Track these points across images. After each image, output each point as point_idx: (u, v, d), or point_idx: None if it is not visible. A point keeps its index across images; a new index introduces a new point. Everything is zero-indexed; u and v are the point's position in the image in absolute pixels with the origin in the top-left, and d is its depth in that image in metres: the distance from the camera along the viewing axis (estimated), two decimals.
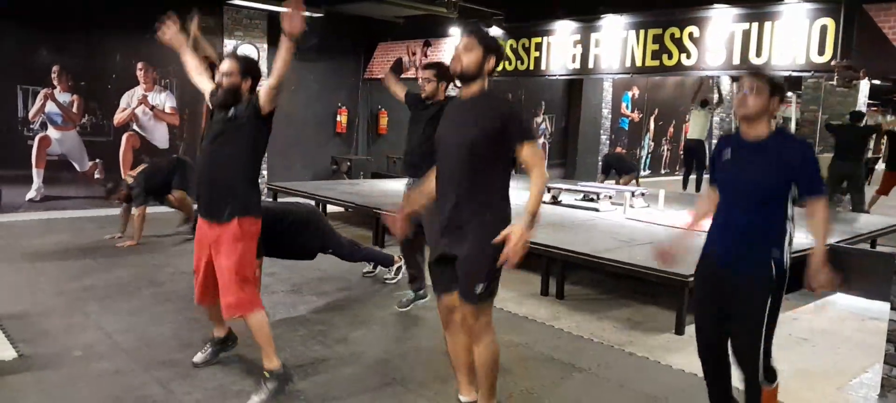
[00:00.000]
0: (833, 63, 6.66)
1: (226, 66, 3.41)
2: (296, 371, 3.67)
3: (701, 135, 12.27)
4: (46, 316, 4.52)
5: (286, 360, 3.63)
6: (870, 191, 10.72)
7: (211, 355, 3.79)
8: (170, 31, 3.73)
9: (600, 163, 12.86)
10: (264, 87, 3.36)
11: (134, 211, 6.77)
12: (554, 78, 9.94)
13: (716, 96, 14.22)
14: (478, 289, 2.84)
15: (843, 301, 5.72)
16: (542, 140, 14.88)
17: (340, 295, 5.32)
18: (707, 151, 12.17)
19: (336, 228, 8.22)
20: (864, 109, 10.69)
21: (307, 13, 3.22)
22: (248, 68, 3.44)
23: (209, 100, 3.61)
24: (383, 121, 11.87)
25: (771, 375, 3.03)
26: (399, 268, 5.65)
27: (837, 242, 6.01)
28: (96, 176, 8.86)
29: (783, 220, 2.82)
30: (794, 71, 7.19)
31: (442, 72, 4.68)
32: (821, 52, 6.83)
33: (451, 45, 10.25)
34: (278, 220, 4.78)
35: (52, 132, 8.49)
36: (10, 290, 4.95)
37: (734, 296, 2.80)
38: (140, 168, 7.15)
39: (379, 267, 5.82)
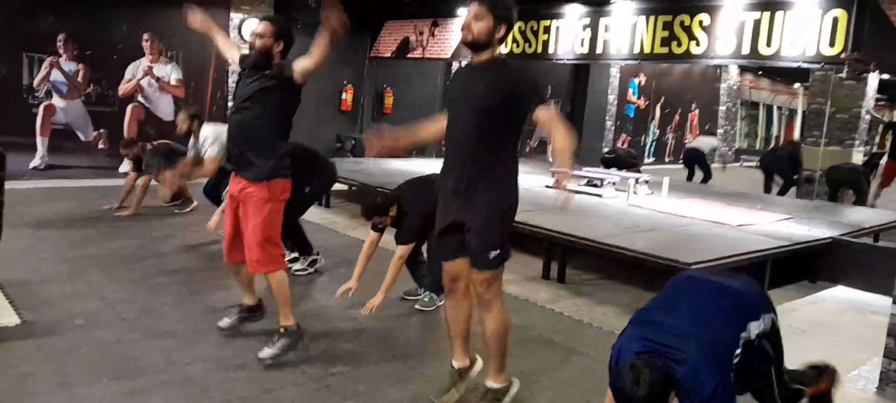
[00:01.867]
0: (843, 55, 6.62)
1: (260, 27, 3.45)
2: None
3: (703, 147, 12.20)
4: (49, 284, 4.54)
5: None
6: (875, 184, 10.68)
7: (237, 321, 3.81)
8: (198, 18, 3.81)
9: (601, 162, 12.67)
10: (301, 64, 3.42)
11: (139, 180, 6.77)
12: (561, 62, 9.89)
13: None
14: (491, 255, 2.86)
15: (843, 294, 5.73)
16: None
17: (340, 271, 5.34)
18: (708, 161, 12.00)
19: (340, 205, 8.26)
20: (871, 104, 10.64)
21: None
22: (282, 31, 3.48)
23: (238, 64, 3.66)
24: (389, 100, 11.83)
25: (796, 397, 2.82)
26: (314, 262, 5.30)
27: (840, 235, 6.01)
28: (100, 146, 8.86)
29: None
30: (803, 62, 7.15)
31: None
32: (831, 43, 6.78)
33: (459, 25, 10.21)
34: None
35: (57, 101, 8.48)
36: (14, 257, 4.96)
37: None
38: (162, 142, 7.09)
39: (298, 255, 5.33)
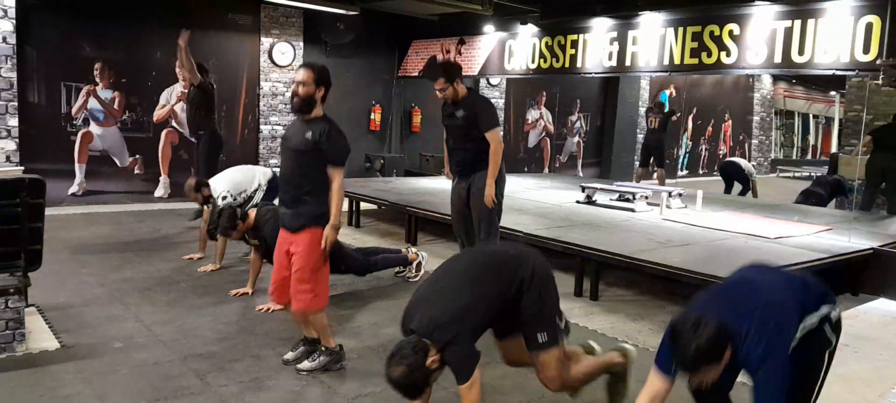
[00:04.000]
0: (878, 62, 6.46)
1: (301, 75, 3.57)
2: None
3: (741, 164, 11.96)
4: (88, 308, 4.64)
5: (290, 339, 3.67)
6: None
7: (302, 354, 3.81)
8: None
9: (639, 149, 12.40)
10: (334, 183, 3.58)
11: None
12: (589, 76, 9.84)
13: None
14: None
15: (886, 306, 5.55)
16: (577, 138, 14.75)
17: (371, 290, 5.36)
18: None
19: (369, 225, 8.31)
20: None
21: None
22: (322, 78, 3.59)
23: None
24: (417, 119, 11.90)
25: None
26: (419, 264, 5.72)
27: (881, 246, 5.84)
28: (136, 171, 9.06)
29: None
30: (838, 70, 7.00)
31: (449, 75, 4.90)
32: (866, 50, 6.62)
33: (486, 43, 10.24)
34: None
35: (93, 128, 8.71)
36: (53, 281, 5.09)
37: None
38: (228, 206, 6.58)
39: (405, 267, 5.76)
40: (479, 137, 4.86)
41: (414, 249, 5.91)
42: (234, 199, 5.83)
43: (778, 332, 2.31)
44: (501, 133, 5.20)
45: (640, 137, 15.39)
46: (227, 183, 5.94)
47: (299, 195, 3.58)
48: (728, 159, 13.21)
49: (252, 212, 5.00)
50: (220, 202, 5.73)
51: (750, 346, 2.28)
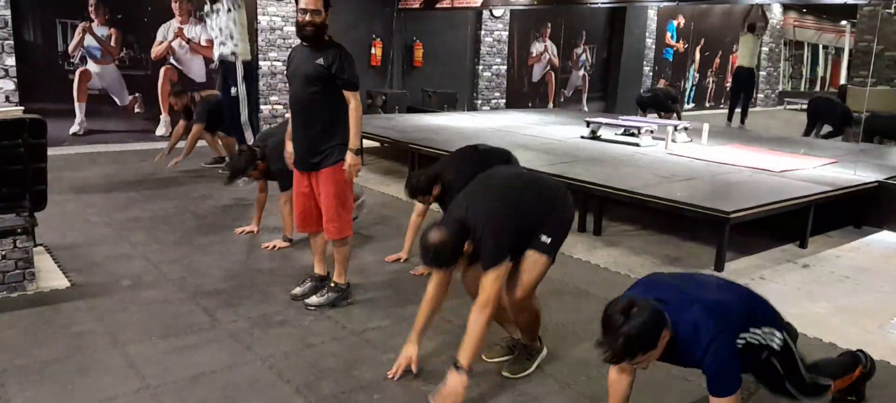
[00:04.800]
0: None
1: (309, 1, 3.40)
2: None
3: (751, 63, 11.65)
4: (95, 247, 4.68)
5: (297, 275, 3.72)
6: None
7: (309, 290, 3.86)
8: None
9: (637, 104, 12.30)
10: (351, 105, 3.52)
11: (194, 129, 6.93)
12: (595, 6, 9.63)
13: (763, 21, 13.24)
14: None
15: (889, 239, 5.57)
16: (582, 72, 14.55)
17: (376, 228, 5.38)
18: (756, 80, 11.54)
19: (371, 163, 8.28)
20: None
21: None
22: (328, 3, 3.49)
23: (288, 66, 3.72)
24: (419, 53, 11.70)
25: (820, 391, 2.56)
26: (362, 204, 5.56)
27: (887, 179, 5.81)
28: (136, 109, 9.00)
29: None
30: None
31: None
32: None
33: None
34: None
35: (91, 66, 8.60)
36: (60, 222, 5.12)
37: None
38: (210, 93, 7.29)
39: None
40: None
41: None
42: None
43: (723, 318, 2.19)
44: None
45: (647, 69, 15.18)
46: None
47: (318, 127, 3.53)
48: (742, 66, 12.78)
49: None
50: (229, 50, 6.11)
51: (691, 334, 2.16)
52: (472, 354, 2.74)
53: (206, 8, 6.40)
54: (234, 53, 6.30)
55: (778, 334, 2.33)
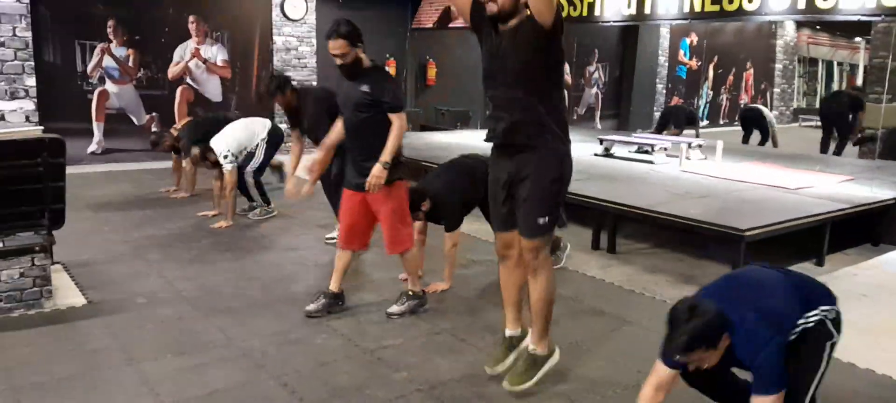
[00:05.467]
0: None
1: (334, 48, 3.60)
2: (350, 315, 3.76)
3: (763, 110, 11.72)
4: (112, 264, 4.72)
5: (311, 293, 3.72)
6: None
7: (322, 307, 3.89)
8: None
9: (657, 117, 12.28)
10: (394, 124, 3.69)
11: (184, 163, 6.81)
12: (608, 24, 9.65)
13: None
14: (540, 221, 2.88)
15: None
16: (595, 90, 14.55)
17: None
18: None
19: None
20: None
21: None
22: (353, 37, 3.62)
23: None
24: (431, 72, 11.78)
25: None
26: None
27: None
28: (153, 129, 9.10)
29: None
30: (863, 15, 6.80)
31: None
32: None
33: None
34: None
35: (109, 86, 8.73)
36: (78, 240, 5.17)
37: None
38: (185, 121, 7.32)
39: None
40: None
41: None
42: (236, 158, 5.83)
43: (776, 325, 2.33)
44: None
45: (660, 87, 15.15)
46: (228, 141, 5.91)
47: (371, 152, 3.65)
48: (749, 105, 12.94)
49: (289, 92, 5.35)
50: (222, 161, 5.76)
51: (747, 337, 2.30)
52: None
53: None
54: (256, 144, 6.18)
55: (833, 310, 2.47)
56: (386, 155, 3.62)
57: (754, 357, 2.30)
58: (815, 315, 2.42)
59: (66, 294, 4.07)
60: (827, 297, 2.51)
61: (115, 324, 3.70)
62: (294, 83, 5.50)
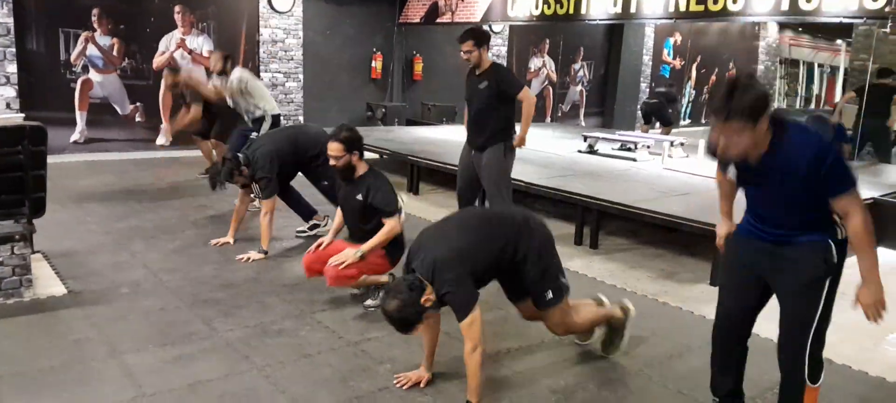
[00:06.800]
0: (887, 9, 6.37)
1: (331, 149, 3.76)
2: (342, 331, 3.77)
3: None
4: (94, 255, 4.69)
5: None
6: None
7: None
8: None
9: (640, 112, 12.37)
10: (384, 228, 3.79)
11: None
12: (594, 23, 9.70)
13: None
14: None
15: (885, 255, 5.59)
16: (580, 87, 14.63)
17: None
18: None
19: None
20: None
21: None
22: (351, 145, 3.77)
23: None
24: (418, 67, 11.77)
25: (817, 371, 2.58)
26: (314, 226, 5.43)
27: (882, 196, 5.85)
28: (137, 119, 9.03)
29: None
30: (845, 17, 6.91)
31: (479, 39, 4.84)
32: None
33: None
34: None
35: (93, 75, 8.64)
36: (59, 229, 5.13)
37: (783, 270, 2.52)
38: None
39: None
40: (498, 109, 4.84)
41: None
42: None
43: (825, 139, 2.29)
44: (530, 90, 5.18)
45: (644, 86, 15.26)
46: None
47: (364, 237, 3.84)
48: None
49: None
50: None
51: (802, 133, 2.26)
52: (478, 390, 2.83)
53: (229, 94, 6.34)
54: (262, 115, 6.27)
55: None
56: (365, 246, 3.75)
57: (812, 158, 2.20)
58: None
59: (47, 283, 4.04)
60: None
61: (97, 315, 3.68)
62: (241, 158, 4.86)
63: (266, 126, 6.23)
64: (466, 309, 2.75)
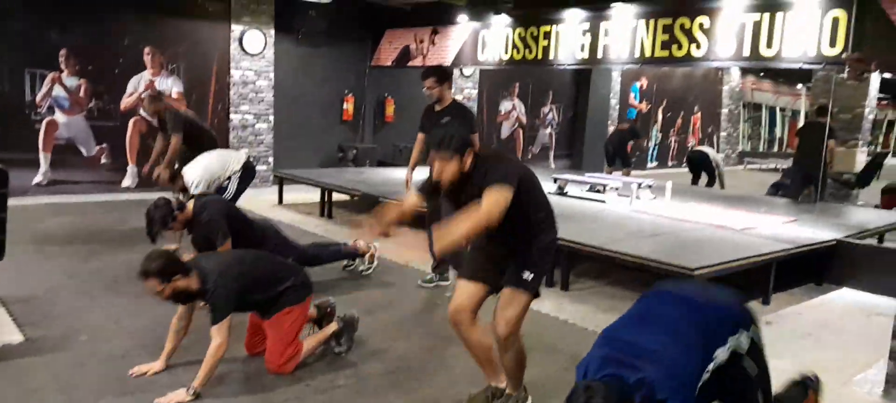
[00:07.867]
0: (844, 56, 6.60)
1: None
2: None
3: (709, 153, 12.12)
4: (53, 300, 4.54)
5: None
6: (879, 185, 10.67)
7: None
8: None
9: (605, 151, 12.59)
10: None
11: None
12: (562, 68, 9.88)
13: None
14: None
15: (849, 296, 5.70)
16: (549, 130, 14.83)
17: (347, 282, 5.33)
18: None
19: (341, 216, 8.26)
20: (874, 103, 10.62)
21: None
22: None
23: None
24: (390, 108, 11.84)
25: None
26: (371, 256, 5.61)
27: (845, 237, 5.98)
28: (102, 160, 8.88)
29: None
30: (805, 63, 7.12)
31: (441, 77, 5.17)
32: (832, 43, 6.75)
33: (459, 33, 10.22)
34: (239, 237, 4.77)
35: (59, 116, 8.50)
36: (18, 273, 4.97)
37: None
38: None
39: (356, 260, 5.62)
40: None
41: (363, 242, 5.59)
42: (208, 187, 5.74)
43: (679, 387, 2.13)
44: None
45: (611, 129, 15.54)
46: (201, 171, 5.82)
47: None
48: (696, 149, 13.40)
49: (190, 203, 4.82)
50: (193, 190, 5.64)
51: (650, 396, 2.10)
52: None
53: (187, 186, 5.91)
54: (229, 177, 5.99)
55: (744, 335, 2.33)
56: (196, 382, 3.27)
57: None
58: (724, 352, 2.26)
59: (3, 330, 3.90)
60: (737, 319, 2.37)
61: (55, 362, 3.55)
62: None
63: (233, 185, 6.04)
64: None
